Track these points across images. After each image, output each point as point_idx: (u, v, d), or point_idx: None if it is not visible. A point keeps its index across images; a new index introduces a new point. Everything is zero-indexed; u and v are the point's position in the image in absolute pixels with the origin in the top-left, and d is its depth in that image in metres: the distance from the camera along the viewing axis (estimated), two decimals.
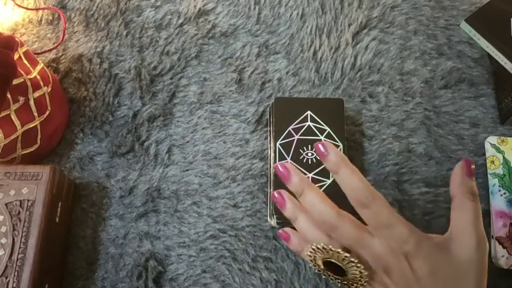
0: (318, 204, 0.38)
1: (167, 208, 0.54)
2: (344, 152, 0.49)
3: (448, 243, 0.37)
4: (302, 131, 0.51)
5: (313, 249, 0.39)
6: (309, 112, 0.51)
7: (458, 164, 0.40)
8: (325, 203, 0.38)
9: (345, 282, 0.39)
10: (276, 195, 0.41)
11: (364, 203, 0.36)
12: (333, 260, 0.38)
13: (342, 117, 0.51)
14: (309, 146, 0.50)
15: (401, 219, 0.37)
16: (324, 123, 0.51)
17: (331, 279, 0.40)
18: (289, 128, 0.51)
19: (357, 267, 0.37)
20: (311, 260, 0.40)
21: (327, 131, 0.50)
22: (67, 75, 0.60)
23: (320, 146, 0.38)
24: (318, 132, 0.50)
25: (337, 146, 0.49)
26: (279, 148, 0.50)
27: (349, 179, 0.37)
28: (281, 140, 0.50)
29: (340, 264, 0.37)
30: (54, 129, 0.55)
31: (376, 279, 0.38)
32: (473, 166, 0.39)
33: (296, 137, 0.50)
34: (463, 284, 0.35)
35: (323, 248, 0.38)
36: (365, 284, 0.38)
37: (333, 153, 0.38)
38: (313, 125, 0.51)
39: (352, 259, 0.37)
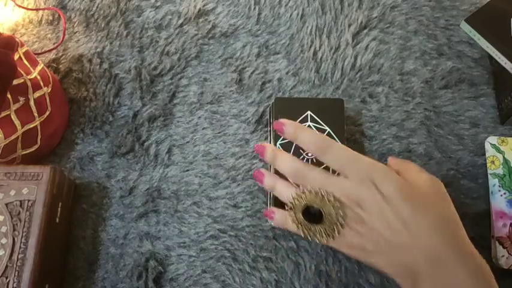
0: (289, 160, 0.44)
1: (167, 208, 0.54)
2: None
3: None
4: None
5: (292, 200, 0.43)
6: (309, 112, 0.51)
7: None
8: (295, 159, 0.44)
9: (325, 229, 0.41)
10: (255, 173, 0.47)
11: (324, 148, 0.41)
12: (310, 204, 0.42)
13: (342, 117, 0.51)
14: None
15: (361, 154, 0.40)
16: (324, 123, 0.50)
17: (311, 234, 0.42)
18: None
19: (333, 206, 0.40)
20: (292, 219, 0.43)
21: (327, 131, 0.50)
22: (67, 75, 0.60)
23: (276, 124, 0.44)
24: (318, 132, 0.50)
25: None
26: (279, 148, 0.50)
27: (307, 136, 0.43)
28: (281, 140, 0.50)
29: (318, 206, 0.41)
30: (55, 129, 0.55)
31: (351, 216, 0.39)
32: None
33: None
34: (430, 202, 0.38)
35: (301, 194, 0.42)
36: (343, 223, 0.39)
37: (287, 125, 0.44)
38: (313, 125, 0.50)
39: (328, 197, 0.40)
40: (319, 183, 0.41)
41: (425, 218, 0.37)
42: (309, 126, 0.50)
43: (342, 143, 0.49)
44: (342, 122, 0.51)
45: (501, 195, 0.50)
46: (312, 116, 0.51)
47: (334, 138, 0.50)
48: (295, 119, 0.50)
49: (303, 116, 0.51)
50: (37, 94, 0.52)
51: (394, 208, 0.37)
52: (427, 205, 0.38)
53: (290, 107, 0.51)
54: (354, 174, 0.39)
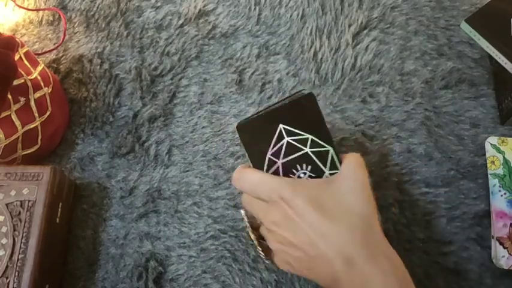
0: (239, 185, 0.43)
1: (167, 209, 0.54)
2: (335, 153, 0.41)
3: (332, 178, 0.40)
4: (283, 152, 0.41)
5: (247, 220, 0.44)
6: (280, 126, 0.41)
7: None
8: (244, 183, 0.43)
9: (267, 246, 0.42)
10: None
11: (238, 180, 0.42)
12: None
13: (320, 115, 0.41)
14: (297, 166, 0.41)
15: (272, 177, 0.40)
16: (303, 131, 0.41)
17: (258, 250, 0.43)
18: (268, 156, 0.41)
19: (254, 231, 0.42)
20: (251, 235, 0.44)
21: (309, 139, 0.41)
22: (68, 75, 0.60)
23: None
24: (300, 146, 0.41)
25: (327, 151, 0.41)
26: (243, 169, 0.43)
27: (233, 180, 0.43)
28: (265, 171, 0.42)
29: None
30: (55, 129, 0.55)
31: (273, 237, 0.40)
32: None
33: (279, 161, 0.41)
34: (342, 205, 0.38)
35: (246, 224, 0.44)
36: (270, 244, 0.41)
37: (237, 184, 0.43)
38: (292, 140, 0.41)
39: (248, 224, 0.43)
40: (247, 206, 0.43)
41: (337, 223, 0.37)
42: (287, 143, 0.41)
43: (330, 145, 0.41)
44: (321, 121, 0.41)
45: (501, 196, 0.50)
46: (286, 129, 0.41)
47: (320, 144, 0.41)
48: (269, 142, 0.41)
49: (276, 134, 0.41)
50: (37, 94, 0.52)
51: (306, 221, 0.37)
52: (339, 209, 0.38)
53: (257, 130, 0.41)
54: (265, 195, 0.40)
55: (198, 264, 0.51)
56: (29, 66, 0.53)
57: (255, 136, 0.41)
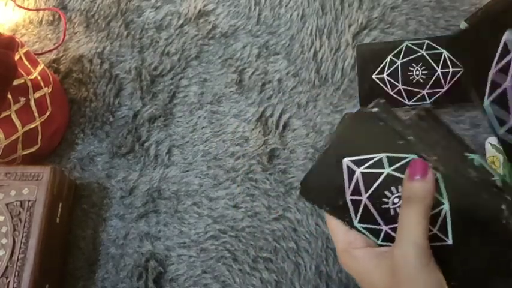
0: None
1: (167, 209, 0.54)
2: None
3: (391, 250, 0.33)
4: (362, 187, 0.34)
5: None
6: (344, 161, 0.34)
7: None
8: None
9: None
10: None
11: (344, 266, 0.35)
12: None
13: (380, 128, 0.32)
14: (385, 192, 0.34)
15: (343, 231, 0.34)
16: (371, 153, 0.34)
17: None
18: (348, 199, 0.35)
19: None
20: None
21: (384, 158, 0.34)
22: (67, 75, 0.60)
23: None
24: (377, 170, 0.34)
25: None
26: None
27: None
28: (355, 217, 0.35)
29: None
30: (55, 129, 0.55)
31: None
32: (426, 166, 0.31)
33: (364, 198, 0.34)
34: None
35: None
36: None
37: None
38: (365, 169, 0.34)
39: None
40: None
41: None
42: (361, 174, 0.34)
43: (411, 153, 0.32)
44: (388, 132, 0.33)
45: None
46: (353, 160, 0.34)
47: (400, 157, 0.32)
48: (340, 186, 0.34)
49: (344, 172, 0.34)
50: (37, 94, 0.52)
51: None
52: None
53: (322, 182, 0.35)
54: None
55: (198, 264, 0.51)
56: (29, 66, 0.53)
57: (322, 189, 0.35)
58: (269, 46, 0.60)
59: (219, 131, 0.56)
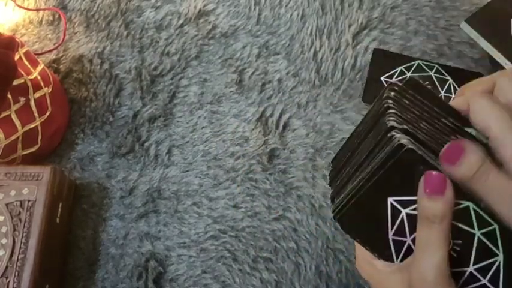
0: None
1: (167, 209, 0.54)
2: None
3: (410, 265, 0.32)
4: (407, 228, 0.32)
5: None
6: (389, 200, 0.33)
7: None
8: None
9: None
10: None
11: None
12: None
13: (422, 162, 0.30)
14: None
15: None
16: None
17: None
18: (391, 238, 0.33)
19: None
20: None
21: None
22: (67, 75, 0.60)
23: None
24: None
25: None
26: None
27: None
28: (396, 257, 0.34)
29: None
30: (55, 129, 0.55)
31: None
32: (444, 182, 0.29)
33: (408, 239, 0.33)
34: None
35: None
36: None
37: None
38: (411, 210, 0.33)
39: None
40: None
41: None
42: (407, 215, 0.32)
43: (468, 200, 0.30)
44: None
45: None
46: (399, 200, 0.33)
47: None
48: (384, 224, 0.33)
49: (389, 211, 0.33)
50: (37, 94, 0.52)
51: None
52: None
53: (362, 217, 0.34)
54: None
55: (198, 264, 0.51)
56: (29, 66, 0.53)
57: (360, 222, 0.33)
58: (269, 46, 0.60)
59: (219, 131, 0.56)
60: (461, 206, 0.29)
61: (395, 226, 0.31)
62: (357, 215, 0.32)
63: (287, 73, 0.59)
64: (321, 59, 0.59)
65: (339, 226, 0.32)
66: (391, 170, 0.30)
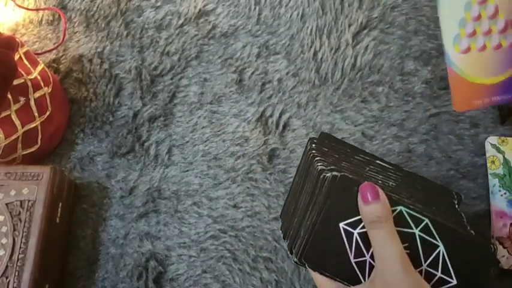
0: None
1: (167, 208, 0.54)
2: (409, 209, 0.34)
3: (374, 276, 0.34)
4: (363, 247, 0.35)
5: None
6: (340, 225, 0.35)
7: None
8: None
9: None
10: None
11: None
12: None
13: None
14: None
15: None
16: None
17: None
18: (353, 262, 0.35)
19: None
20: None
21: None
22: (67, 75, 0.60)
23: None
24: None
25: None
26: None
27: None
28: (363, 277, 0.36)
29: None
30: (55, 129, 0.55)
31: None
32: (375, 188, 0.33)
33: (367, 257, 0.36)
34: None
35: None
36: None
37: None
38: (362, 229, 0.35)
39: None
40: None
41: None
42: (359, 234, 0.35)
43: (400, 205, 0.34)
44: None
45: (501, 195, 0.50)
46: (348, 223, 0.35)
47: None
48: (342, 249, 0.35)
49: (343, 235, 0.35)
50: (37, 94, 0.52)
51: None
52: None
53: (323, 247, 0.35)
54: None
55: (198, 264, 0.51)
56: (29, 66, 0.53)
57: (324, 256, 0.35)
58: (269, 46, 0.60)
59: (219, 131, 0.56)
60: (395, 211, 0.33)
61: (353, 248, 0.35)
62: (318, 250, 0.35)
63: (287, 73, 0.59)
64: (321, 58, 0.59)
65: (306, 267, 0.35)
66: (333, 200, 0.34)
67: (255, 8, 0.62)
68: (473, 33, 0.38)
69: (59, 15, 0.63)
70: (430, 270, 0.34)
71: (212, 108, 0.58)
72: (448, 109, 0.56)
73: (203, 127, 0.57)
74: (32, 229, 0.47)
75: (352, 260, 0.35)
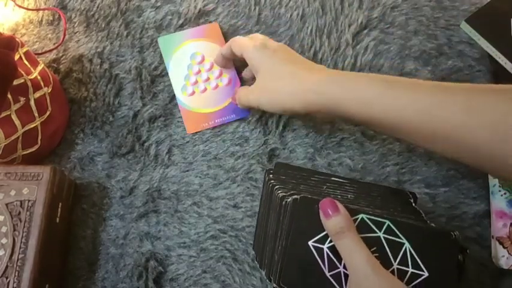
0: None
1: (167, 208, 0.54)
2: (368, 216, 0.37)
3: (349, 284, 0.36)
4: (333, 257, 0.38)
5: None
6: (309, 244, 0.38)
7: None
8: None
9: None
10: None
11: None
12: None
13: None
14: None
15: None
16: (321, 231, 0.38)
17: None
18: (328, 275, 0.37)
19: None
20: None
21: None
22: (67, 75, 0.60)
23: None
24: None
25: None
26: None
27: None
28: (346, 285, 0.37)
29: None
30: (55, 129, 0.55)
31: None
32: (334, 202, 0.36)
33: (341, 268, 0.38)
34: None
35: None
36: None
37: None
38: (331, 244, 0.38)
39: None
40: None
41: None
42: (329, 248, 0.37)
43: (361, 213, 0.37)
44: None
45: (501, 195, 0.50)
46: (317, 240, 0.38)
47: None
48: (317, 265, 0.37)
49: (313, 251, 0.37)
50: (37, 94, 0.52)
51: None
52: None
53: (301, 268, 0.37)
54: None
55: (198, 264, 0.51)
56: (29, 66, 0.53)
57: (301, 275, 0.37)
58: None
59: (219, 131, 0.56)
60: (357, 220, 0.36)
61: (326, 262, 0.37)
62: (295, 271, 0.37)
63: None
64: (321, 58, 0.59)
65: None
66: (298, 221, 0.37)
67: (255, 8, 0.62)
68: (196, 82, 0.57)
69: (59, 15, 0.63)
70: (401, 267, 0.36)
71: None
72: None
73: None
74: (32, 229, 0.47)
75: (328, 274, 0.37)
